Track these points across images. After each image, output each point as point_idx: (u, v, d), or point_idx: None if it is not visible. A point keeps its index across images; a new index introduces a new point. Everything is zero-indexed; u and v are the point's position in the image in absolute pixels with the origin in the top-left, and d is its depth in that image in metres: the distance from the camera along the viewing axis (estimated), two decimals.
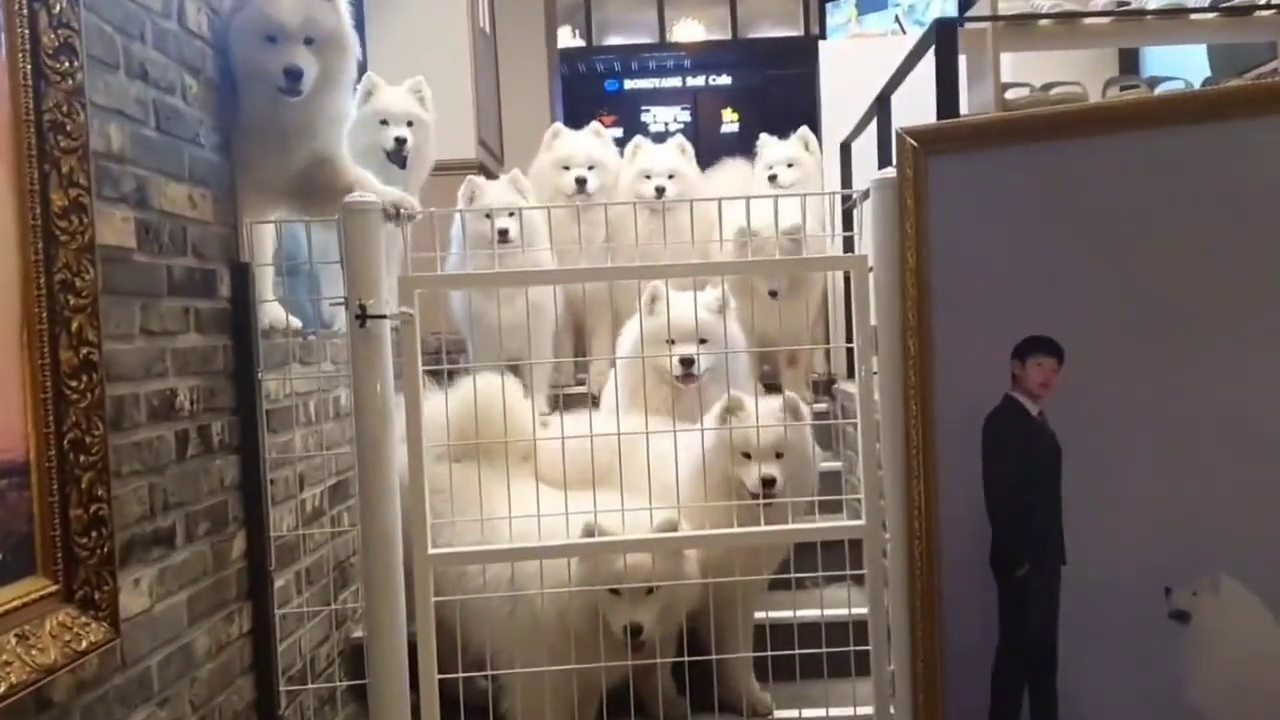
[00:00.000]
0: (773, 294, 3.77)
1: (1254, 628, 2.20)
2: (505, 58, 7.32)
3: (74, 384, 1.77)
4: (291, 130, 2.73)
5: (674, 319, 3.26)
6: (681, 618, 2.82)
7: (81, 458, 1.78)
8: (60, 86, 1.76)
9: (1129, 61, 5.36)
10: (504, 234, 3.66)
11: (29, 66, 1.71)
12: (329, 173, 2.81)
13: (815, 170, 4.69)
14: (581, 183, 4.39)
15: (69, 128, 1.77)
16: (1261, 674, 2.21)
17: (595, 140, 4.65)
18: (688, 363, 3.26)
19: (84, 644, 1.76)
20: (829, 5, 7.80)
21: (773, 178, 4.55)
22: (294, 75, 2.60)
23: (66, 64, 1.77)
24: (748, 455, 2.87)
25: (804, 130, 4.79)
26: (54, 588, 1.74)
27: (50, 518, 1.74)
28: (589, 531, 2.61)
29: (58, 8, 1.76)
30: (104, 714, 1.91)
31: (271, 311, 2.76)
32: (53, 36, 1.75)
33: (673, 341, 3.28)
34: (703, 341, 3.25)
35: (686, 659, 2.81)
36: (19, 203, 1.70)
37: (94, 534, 1.81)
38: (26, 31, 1.71)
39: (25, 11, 1.71)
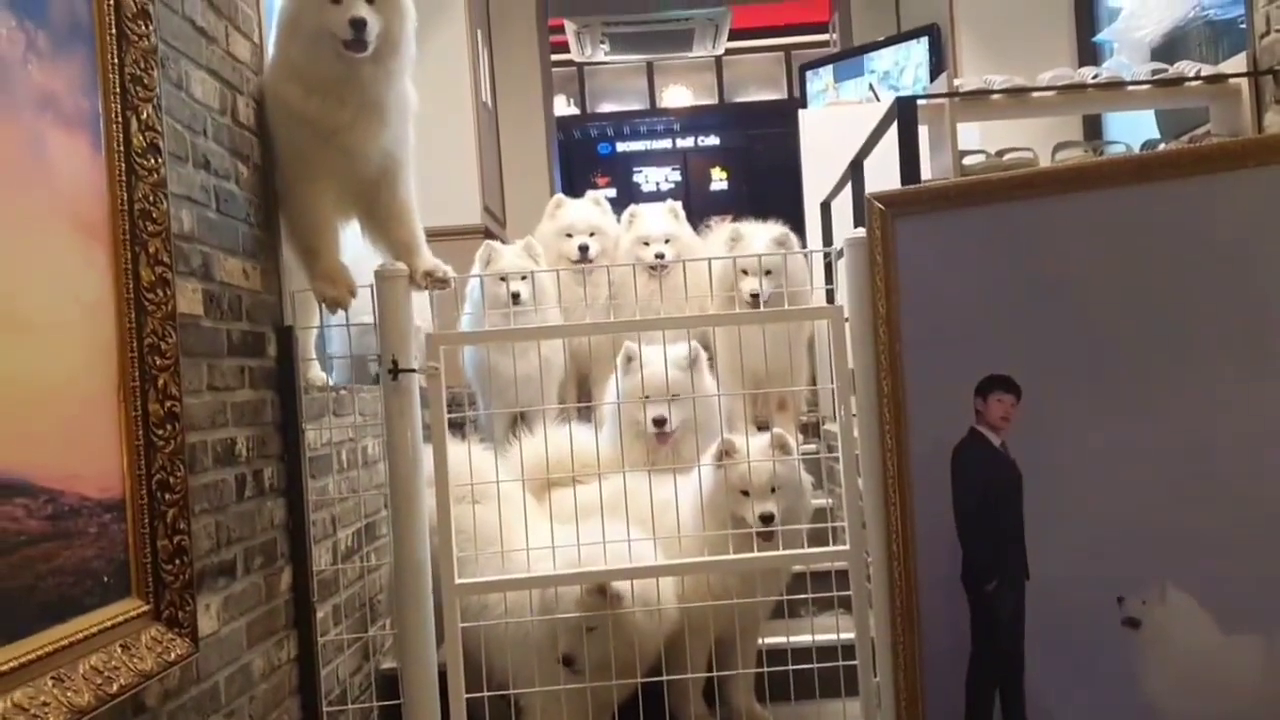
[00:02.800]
0: (754, 297, 4.05)
1: (1197, 631, 2.40)
2: (506, 127, 7.64)
3: (160, 433, 2.05)
4: (359, 99, 2.75)
5: (647, 377, 3.46)
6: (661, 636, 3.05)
7: (167, 496, 2.05)
8: (148, 180, 2.05)
9: (1092, 126, 5.70)
10: (516, 296, 3.95)
11: (123, 165, 1.99)
12: (393, 198, 2.92)
13: (690, 241, 4.76)
14: (584, 250, 4.60)
15: (154, 214, 2.06)
16: (1204, 671, 2.41)
17: (595, 209, 4.85)
18: (660, 421, 3.50)
19: (172, 655, 2.03)
20: (809, 73, 8.16)
21: (660, 256, 4.57)
22: (359, 25, 2.61)
23: (152, 161, 2.07)
24: (745, 493, 3.12)
25: (670, 202, 4.93)
26: (146, 607, 2.01)
27: (142, 547, 2.00)
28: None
29: (145, 113, 2.06)
30: None
31: (310, 369, 3.06)
32: (141, 139, 2.04)
33: (648, 398, 3.50)
34: (675, 397, 3.48)
35: (691, 676, 3.06)
36: (116, 279, 1.98)
37: (177, 562, 2.08)
38: (121, 135, 1.99)
39: (120, 119, 2.00)
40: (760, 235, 4.34)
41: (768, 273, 4.12)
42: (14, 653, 1.63)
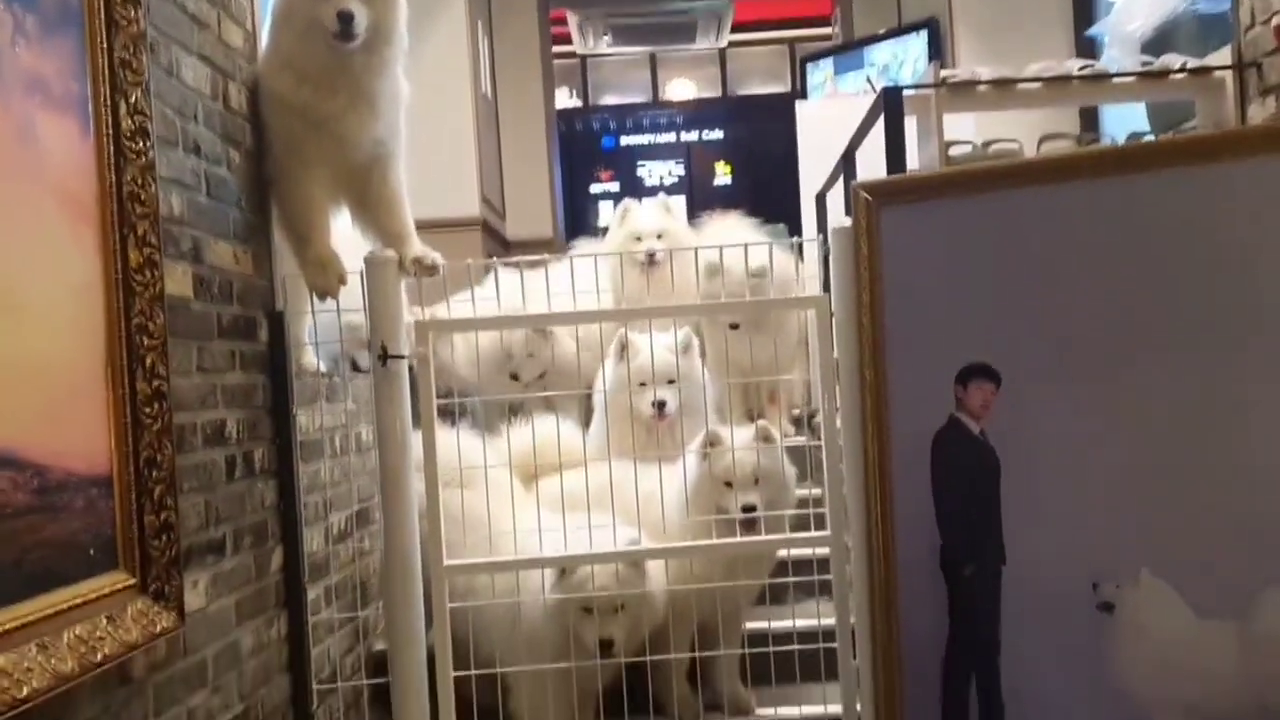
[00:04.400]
0: (733, 326, 4.05)
1: (1170, 616, 2.41)
2: (506, 119, 7.67)
3: (148, 410, 2.09)
4: (351, 89, 2.78)
5: (642, 364, 3.56)
6: (646, 630, 3.08)
7: (154, 473, 2.09)
8: (136, 163, 2.09)
9: (1088, 119, 5.73)
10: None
11: (112, 148, 2.03)
12: (384, 186, 2.95)
13: (683, 233, 4.76)
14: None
15: (143, 197, 2.10)
16: (1177, 656, 2.42)
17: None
18: (660, 404, 3.57)
19: (158, 628, 2.07)
20: (809, 65, 8.19)
21: (651, 255, 4.52)
22: (346, 18, 2.66)
23: (141, 144, 2.11)
24: (729, 484, 3.17)
25: (662, 197, 4.96)
26: (132, 581, 2.04)
27: (129, 522, 2.04)
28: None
29: (134, 97, 2.10)
30: (170, 694, 2.22)
31: (304, 355, 3.10)
32: (130, 122, 2.08)
33: (644, 384, 3.58)
34: (670, 382, 3.56)
35: (674, 656, 3.10)
36: (105, 261, 2.02)
37: (164, 537, 2.12)
38: (110, 119, 2.03)
39: (109, 103, 2.04)
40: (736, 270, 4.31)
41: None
42: None
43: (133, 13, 2.11)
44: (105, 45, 2.04)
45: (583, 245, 4.94)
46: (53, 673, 1.74)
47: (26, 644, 1.72)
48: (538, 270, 3.62)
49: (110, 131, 2.05)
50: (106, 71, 2.04)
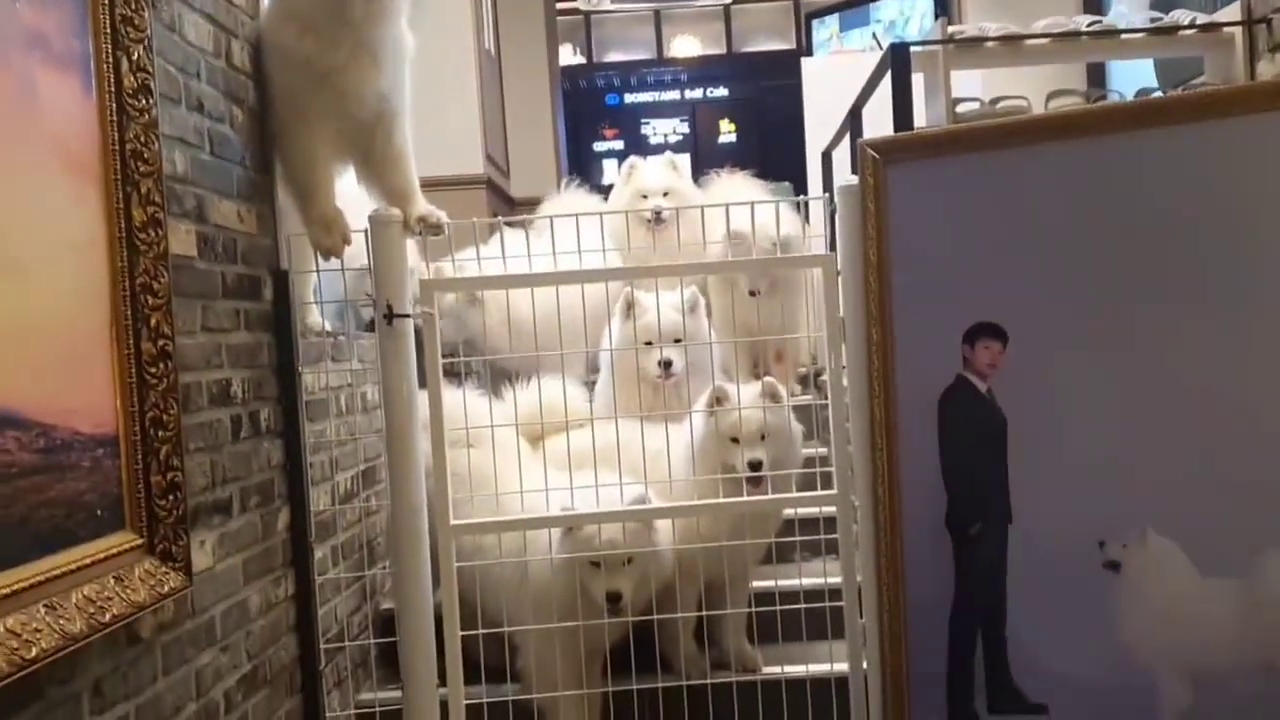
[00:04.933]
0: (753, 293, 4.06)
1: (1176, 574, 2.44)
2: (509, 76, 7.61)
3: (153, 370, 2.09)
4: (354, 40, 2.74)
5: (649, 323, 3.55)
6: (654, 586, 3.07)
7: (160, 433, 2.09)
8: (139, 121, 2.07)
9: (1096, 75, 5.67)
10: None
11: (114, 105, 2.02)
12: (389, 143, 2.91)
13: (689, 191, 4.76)
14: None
15: (146, 155, 2.09)
16: (1181, 614, 2.45)
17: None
18: (666, 363, 3.56)
19: (165, 588, 2.07)
20: (815, 22, 8.11)
21: (658, 213, 4.55)
22: None
23: (144, 101, 2.09)
24: (735, 440, 3.17)
25: (669, 155, 4.95)
26: (139, 541, 2.05)
27: (136, 482, 2.04)
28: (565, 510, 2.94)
29: (135, 54, 2.08)
30: (179, 653, 2.23)
31: (309, 314, 3.09)
32: (132, 79, 2.07)
33: (650, 343, 3.57)
34: (677, 341, 3.55)
35: (680, 615, 3.11)
36: (108, 219, 2.01)
37: (170, 497, 2.12)
38: (112, 76, 2.02)
39: (110, 59, 2.02)
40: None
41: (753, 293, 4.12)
42: (5, 580, 1.67)
43: None
44: (106, 2, 2.02)
45: (561, 198, 4.91)
46: (61, 633, 1.75)
47: (35, 604, 1.72)
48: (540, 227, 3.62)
49: (112, 89, 2.03)
50: (108, 28, 2.02)
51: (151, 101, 2.11)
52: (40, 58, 1.85)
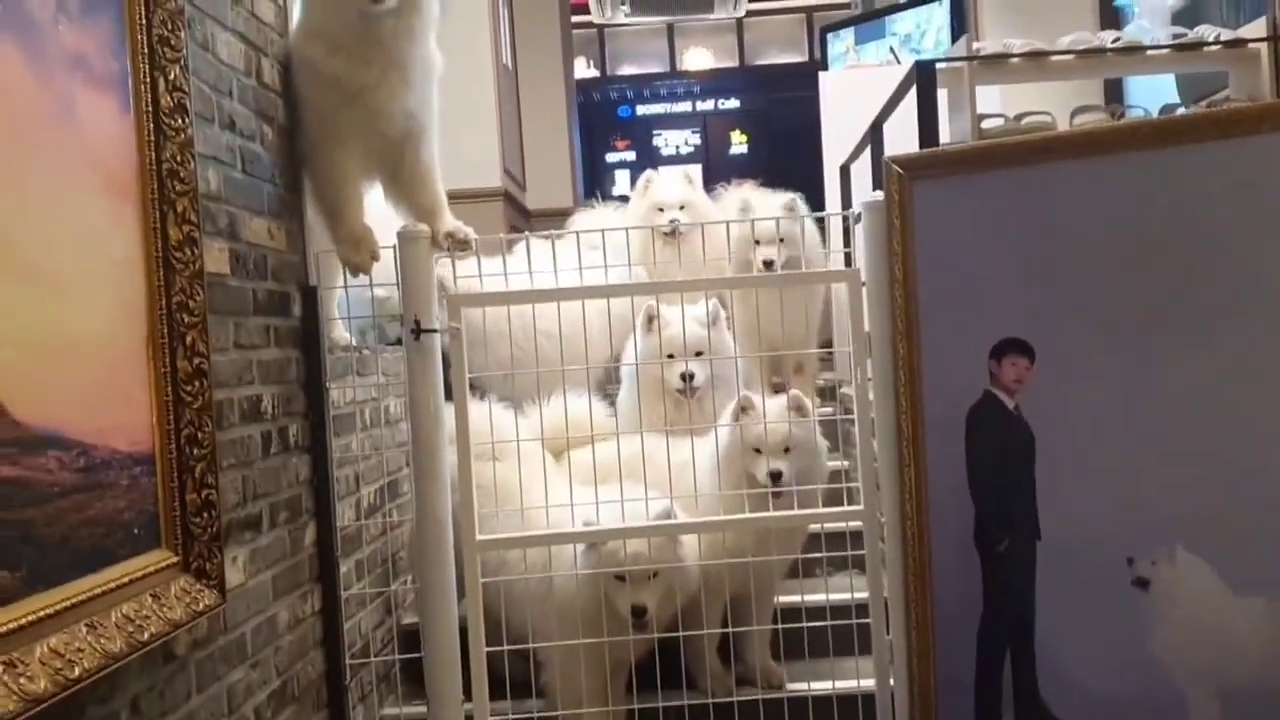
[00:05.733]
0: (767, 264, 4.07)
1: (1205, 592, 2.42)
2: (526, 90, 7.65)
3: (189, 388, 2.10)
4: (384, 58, 2.76)
5: (671, 336, 3.54)
6: (680, 600, 3.07)
7: (195, 450, 2.10)
8: (175, 140, 2.09)
9: (1113, 89, 5.67)
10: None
11: (152, 124, 2.03)
12: (417, 160, 2.95)
13: (705, 206, 4.76)
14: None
15: (182, 174, 2.10)
16: (1212, 632, 2.43)
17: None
18: (689, 377, 3.57)
19: (200, 606, 2.08)
20: (830, 36, 8.12)
21: (673, 222, 4.57)
22: None
23: (180, 121, 2.10)
24: (759, 451, 3.17)
25: (685, 168, 4.99)
26: (175, 559, 2.06)
27: (171, 500, 2.05)
28: (589, 525, 2.94)
29: (172, 74, 2.09)
30: (212, 670, 2.23)
31: (334, 329, 3.10)
32: (169, 99, 2.08)
33: (671, 356, 3.57)
34: (698, 354, 3.56)
35: (706, 632, 3.12)
36: (145, 238, 2.02)
37: (205, 515, 2.13)
38: (149, 95, 2.03)
39: (148, 80, 2.03)
40: (770, 204, 4.36)
41: (781, 240, 4.13)
42: (49, 600, 1.68)
43: None
44: (144, 22, 2.03)
45: (592, 213, 4.95)
46: (102, 652, 1.75)
47: (76, 624, 1.73)
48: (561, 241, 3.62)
49: (150, 108, 2.04)
50: (146, 48, 2.04)
51: (187, 121, 2.12)
52: (81, 78, 1.86)
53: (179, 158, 2.10)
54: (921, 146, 3.42)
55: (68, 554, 1.75)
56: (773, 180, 4.85)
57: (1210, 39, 3.80)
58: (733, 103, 13.76)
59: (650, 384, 3.60)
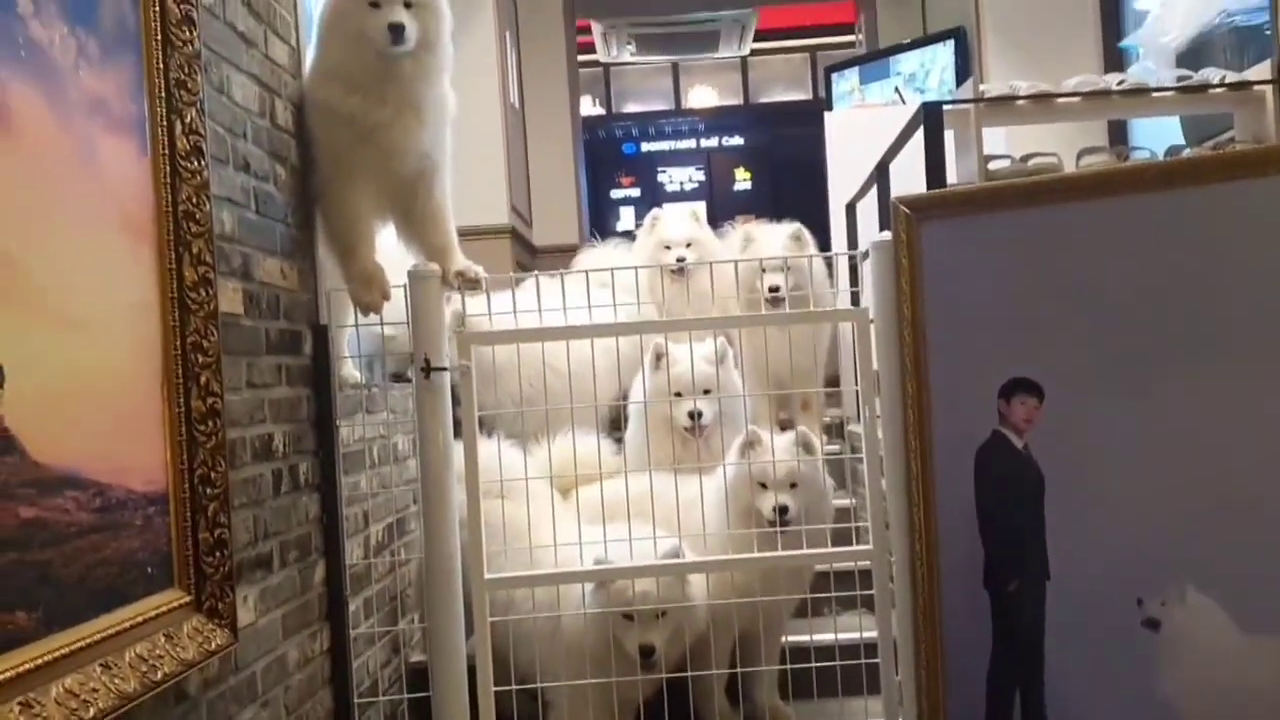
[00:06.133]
0: (773, 290, 4.14)
1: (1217, 633, 2.43)
2: (533, 128, 7.71)
3: (202, 428, 2.11)
4: (399, 97, 2.83)
5: (679, 374, 3.59)
6: (687, 640, 3.09)
7: (208, 490, 2.11)
8: (191, 183, 2.10)
9: (1118, 130, 5.73)
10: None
11: (168, 167, 2.05)
12: (430, 200, 3.00)
13: (711, 243, 4.83)
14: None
15: (198, 216, 2.12)
16: (1222, 672, 2.44)
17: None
18: (696, 415, 3.59)
19: (212, 645, 2.08)
20: (834, 75, 8.19)
21: (680, 260, 4.63)
22: (397, 30, 2.73)
23: (196, 163, 2.12)
24: (765, 486, 3.19)
25: (691, 206, 5.07)
26: (188, 598, 2.06)
27: (184, 540, 2.05)
28: (598, 564, 2.96)
29: (189, 117, 2.12)
30: (223, 709, 2.23)
31: (344, 367, 3.12)
32: (185, 142, 2.10)
33: (679, 394, 3.61)
34: (706, 392, 3.58)
35: (715, 673, 3.12)
36: (161, 279, 2.03)
37: (217, 554, 2.13)
38: (166, 138, 2.05)
39: (165, 123, 2.05)
40: (774, 235, 4.47)
41: (787, 268, 4.20)
42: (65, 640, 1.69)
43: (188, 33, 2.13)
44: (162, 66, 2.06)
45: (594, 251, 5.01)
46: (116, 692, 1.75)
47: (91, 664, 1.73)
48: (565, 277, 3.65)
49: (166, 151, 2.06)
50: (163, 92, 2.06)
51: (203, 163, 2.14)
52: (101, 122, 1.88)
53: (195, 199, 2.12)
54: (929, 187, 3.45)
55: (84, 594, 1.76)
56: (777, 216, 4.90)
57: (1215, 81, 3.83)
58: (737, 140, 13.83)
59: (658, 422, 3.61)
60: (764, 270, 4.18)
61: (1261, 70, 3.76)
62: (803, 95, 13.15)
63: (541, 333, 3.23)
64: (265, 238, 2.58)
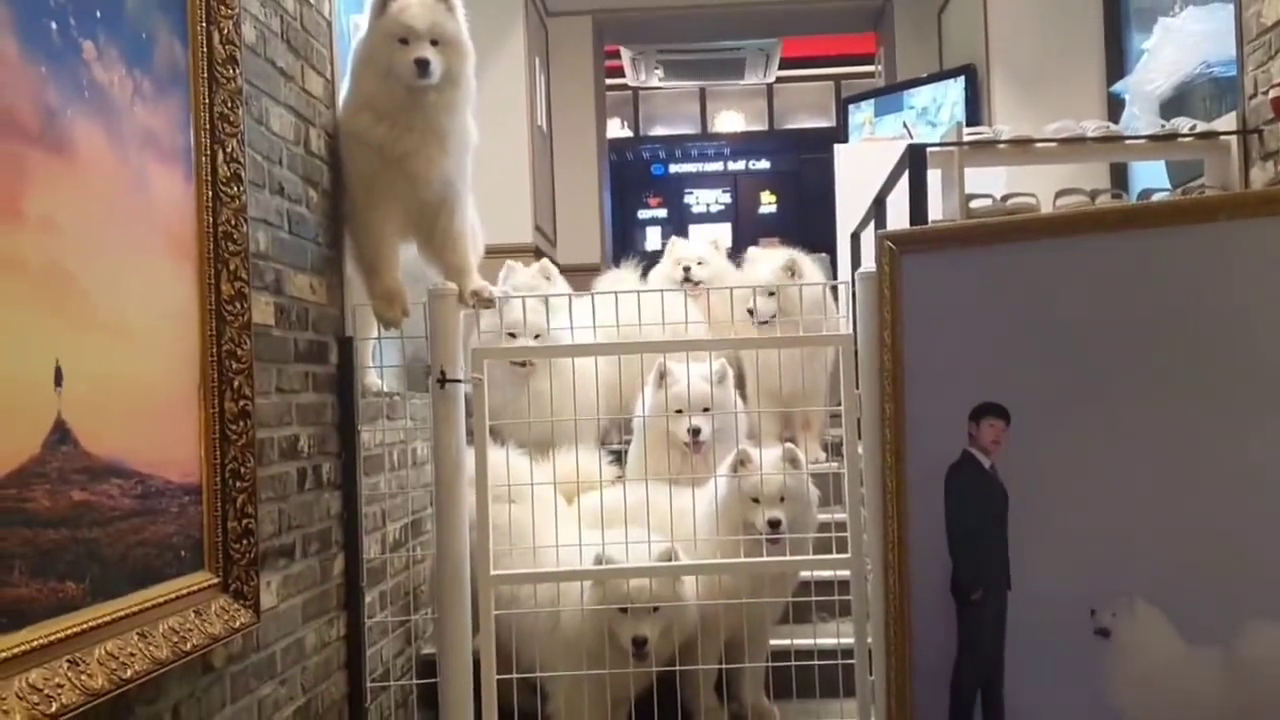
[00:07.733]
0: (750, 313, 4.44)
1: (1162, 642, 2.58)
2: (560, 150, 7.93)
3: (234, 428, 2.35)
4: (424, 126, 3.08)
5: (679, 392, 3.85)
6: (677, 636, 3.30)
7: (238, 483, 2.35)
8: (230, 206, 2.35)
9: (1118, 171, 5.92)
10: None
11: (210, 192, 2.29)
12: (450, 224, 3.24)
13: (723, 266, 5.25)
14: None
15: (235, 236, 2.36)
16: (1167, 680, 2.59)
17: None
18: (695, 431, 3.83)
19: (237, 623, 2.32)
20: (851, 106, 8.39)
21: (687, 269, 5.09)
22: (424, 65, 2.98)
23: (235, 189, 2.37)
24: (756, 500, 3.40)
25: (715, 234, 5.52)
26: (216, 580, 2.30)
27: (214, 527, 2.29)
28: (598, 562, 3.18)
29: (230, 147, 2.36)
30: (245, 683, 2.47)
31: (367, 376, 3.36)
32: (226, 169, 2.35)
33: (680, 411, 3.85)
34: (706, 410, 3.81)
35: (702, 667, 3.32)
36: (201, 293, 2.28)
37: (244, 542, 2.37)
38: (209, 166, 2.30)
39: (209, 153, 2.30)
40: (770, 262, 4.77)
41: (770, 294, 4.48)
42: (108, 609, 1.92)
43: (231, 71, 2.38)
44: (208, 100, 2.30)
45: (612, 274, 5.30)
46: (150, 658, 1.99)
47: (129, 632, 1.97)
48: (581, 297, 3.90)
49: (209, 178, 2.31)
50: (208, 125, 2.30)
51: (241, 189, 2.39)
52: (152, 153, 2.13)
53: (233, 221, 2.36)
54: (912, 223, 3.66)
55: (124, 570, 1.99)
56: (801, 238, 5.13)
57: (1185, 130, 4.03)
58: (763, 164, 14.00)
59: (658, 436, 3.84)
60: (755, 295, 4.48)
61: (1228, 121, 3.94)
62: (826, 123, 13.32)
63: (549, 350, 3.45)
64: (297, 255, 2.82)
